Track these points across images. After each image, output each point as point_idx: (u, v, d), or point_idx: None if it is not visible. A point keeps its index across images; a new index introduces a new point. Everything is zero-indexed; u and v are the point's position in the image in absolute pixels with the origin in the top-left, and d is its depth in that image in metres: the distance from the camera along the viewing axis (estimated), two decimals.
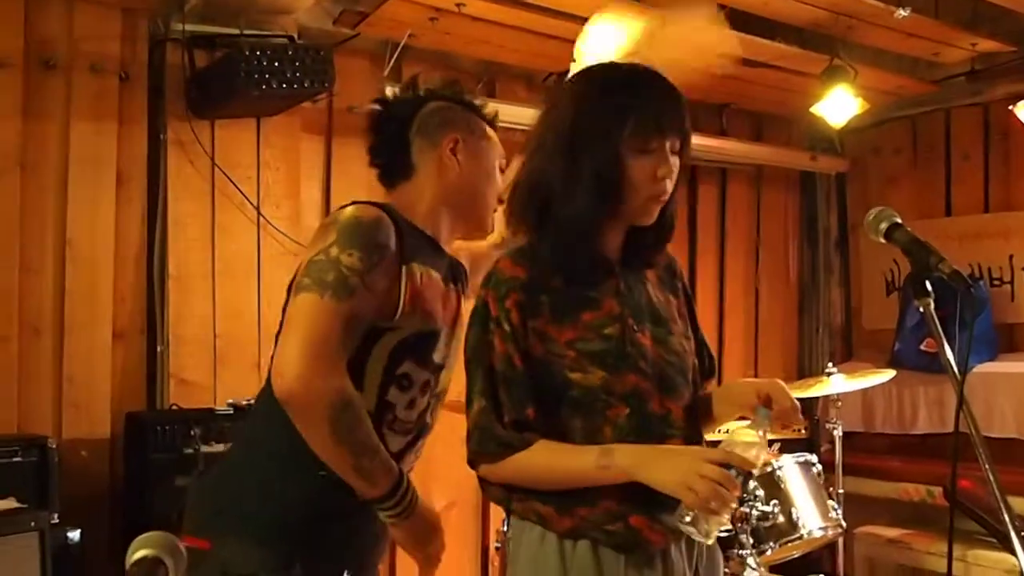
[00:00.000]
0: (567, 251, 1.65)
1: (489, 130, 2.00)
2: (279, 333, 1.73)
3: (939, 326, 1.69)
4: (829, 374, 3.57)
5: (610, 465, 1.56)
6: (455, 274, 1.96)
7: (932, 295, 1.68)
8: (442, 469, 3.99)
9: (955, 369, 1.65)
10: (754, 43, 3.97)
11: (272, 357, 1.70)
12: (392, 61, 3.71)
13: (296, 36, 3.40)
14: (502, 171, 2.00)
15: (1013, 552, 1.51)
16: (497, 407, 1.60)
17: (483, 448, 1.61)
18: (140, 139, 3.33)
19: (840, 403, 3.70)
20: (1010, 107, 4.37)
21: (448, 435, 3.95)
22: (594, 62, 1.80)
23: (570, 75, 1.77)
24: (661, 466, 1.54)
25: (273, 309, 3.47)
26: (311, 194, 3.75)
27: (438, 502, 3.99)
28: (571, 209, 1.63)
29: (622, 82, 1.67)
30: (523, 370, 1.60)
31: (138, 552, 0.89)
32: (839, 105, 4.20)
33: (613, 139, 1.60)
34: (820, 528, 3.22)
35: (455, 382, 1.97)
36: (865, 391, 4.34)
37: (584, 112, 1.64)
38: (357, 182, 3.85)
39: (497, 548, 3.27)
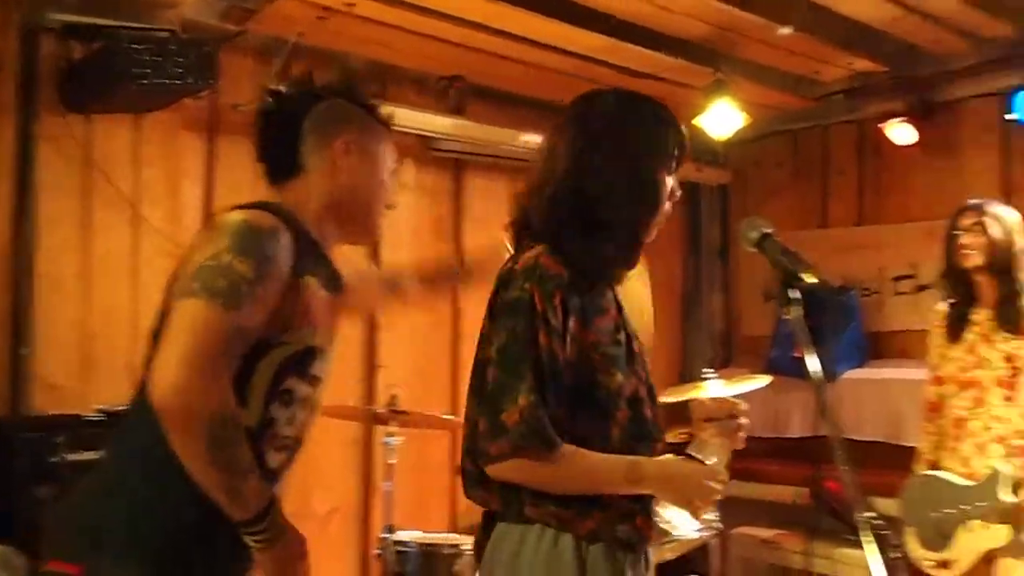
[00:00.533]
0: (620, 255, 1.77)
1: (384, 133, 1.95)
2: (155, 336, 1.65)
3: (806, 333, 1.77)
4: (706, 379, 3.66)
5: (640, 480, 1.67)
6: (336, 283, 1.90)
7: (797, 303, 1.76)
8: (324, 475, 3.95)
9: (816, 375, 1.72)
10: (639, 54, 4.05)
11: (146, 364, 1.63)
12: (280, 60, 3.65)
13: (179, 30, 3.31)
14: (394, 176, 1.96)
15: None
16: (545, 404, 1.61)
17: (528, 443, 1.59)
18: (8, 133, 3.19)
19: None
20: (879, 125, 4.58)
21: (330, 441, 3.96)
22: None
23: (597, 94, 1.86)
24: (682, 487, 1.73)
25: (149, 311, 3.37)
26: (192, 193, 3.65)
27: (320, 508, 3.94)
28: (628, 215, 1.75)
29: (663, 107, 1.84)
30: (563, 369, 1.64)
31: None
32: (722, 118, 4.32)
33: (667, 156, 1.79)
34: (695, 530, 3.30)
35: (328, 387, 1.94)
36: (742, 396, 4.46)
37: (647, 126, 1.79)
38: (241, 182, 3.77)
39: (378, 555, 3.24)
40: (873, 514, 2.85)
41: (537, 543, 1.64)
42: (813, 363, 1.75)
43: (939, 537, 3.03)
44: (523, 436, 1.59)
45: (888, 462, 3.86)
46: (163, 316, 1.66)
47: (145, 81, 3.03)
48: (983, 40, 4.22)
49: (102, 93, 3.19)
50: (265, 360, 1.70)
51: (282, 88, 1.94)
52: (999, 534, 2.91)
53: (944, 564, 3.03)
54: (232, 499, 1.59)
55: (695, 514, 1.75)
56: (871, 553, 1.65)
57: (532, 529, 1.65)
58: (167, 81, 3.07)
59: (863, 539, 1.62)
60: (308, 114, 1.86)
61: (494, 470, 1.63)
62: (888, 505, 3.14)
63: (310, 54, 3.82)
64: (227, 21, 3.57)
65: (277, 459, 1.77)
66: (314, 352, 1.79)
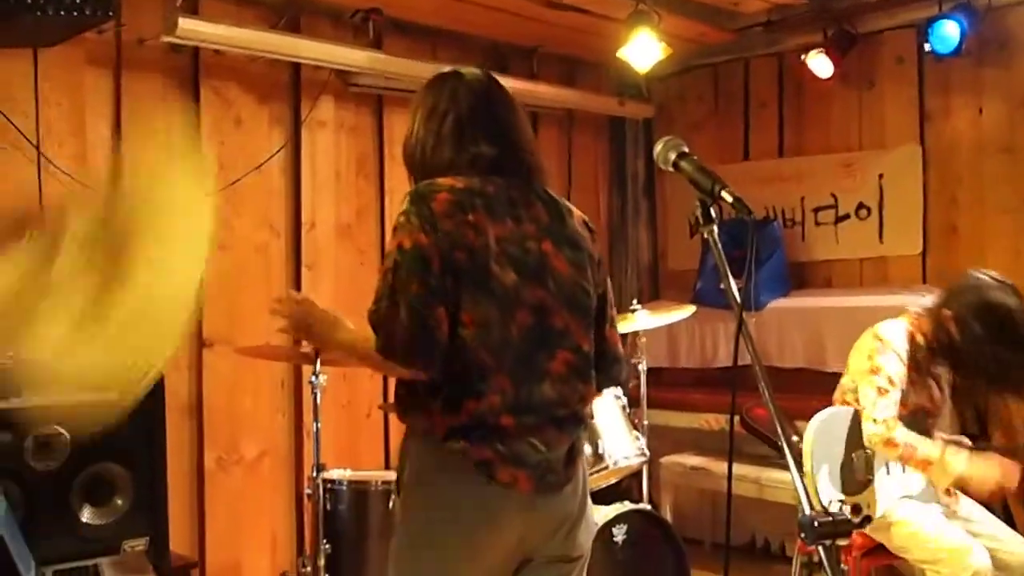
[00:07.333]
0: None
1: None
2: None
3: (722, 254, 1.76)
4: (633, 311, 3.68)
5: None
6: None
7: (715, 221, 1.75)
8: (253, 418, 3.89)
9: (737, 299, 1.71)
10: None
11: None
12: None
13: None
14: None
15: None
16: None
17: None
18: None
19: (644, 339, 3.82)
20: (802, 57, 4.60)
21: (257, 383, 3.88)
22: None
23: None
24: None
25: None
26: (99, 131, 3.50)
27: (249, 452, 3.89)
28: None
29: None
30: None
31: None
32: (644, 50, 4.29)
33: None
34: (625, 457, 3.34)
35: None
36: (670, 328, 4.51)
37: None
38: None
39: (309, 495, 3.21)
40: (797, 438, 2.90)
41: None
42: (734, 289, 1.74)
43: (855, 479, 2.82)
44: None
45: (812, 388, 3.95)
46: None
47: (40, 12, 2.87)
48: None
49: None
50: None
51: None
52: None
53: (856, 508, 2.77)
54: None
55: None
56: (795, 474, 1.66)
57: None
58: (64, 13, 2.91)
59: (788, 458, 1.62)
60: None
61: None
62: None
63: None
64: None
65: None
66: None
